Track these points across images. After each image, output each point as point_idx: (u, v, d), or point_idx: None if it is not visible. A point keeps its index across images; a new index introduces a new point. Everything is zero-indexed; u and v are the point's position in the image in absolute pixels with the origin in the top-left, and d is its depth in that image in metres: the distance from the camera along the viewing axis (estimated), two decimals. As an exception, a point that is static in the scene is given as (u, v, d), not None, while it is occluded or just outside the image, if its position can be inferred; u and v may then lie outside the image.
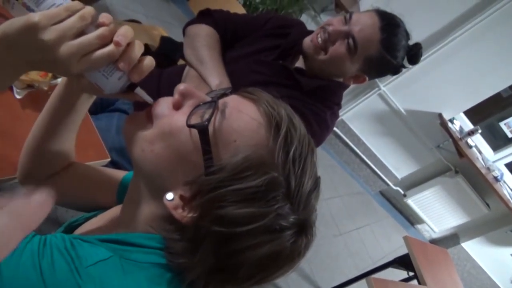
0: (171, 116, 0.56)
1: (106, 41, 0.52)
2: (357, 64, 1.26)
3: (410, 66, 1.34)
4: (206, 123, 0.51)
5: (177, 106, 0.57)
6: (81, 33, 0.51)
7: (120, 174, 0.80)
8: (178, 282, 0.53)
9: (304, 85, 1.30)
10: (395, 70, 1.31)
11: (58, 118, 0.70)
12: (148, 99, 0.57)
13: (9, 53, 0.51)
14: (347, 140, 4.06)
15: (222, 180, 0.49)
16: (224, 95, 0.57)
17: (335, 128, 3.94)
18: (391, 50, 1.24)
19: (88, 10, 0.52)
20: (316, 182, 0.55)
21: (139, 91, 0.57)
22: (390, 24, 1.24)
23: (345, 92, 1.42)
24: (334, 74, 1.32)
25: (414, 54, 1.30)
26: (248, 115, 0.53)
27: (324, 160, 3.97)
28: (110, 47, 0.51)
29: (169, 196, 0.52)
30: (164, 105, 0.57)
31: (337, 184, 3.95)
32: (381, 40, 1.21)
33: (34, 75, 0.92)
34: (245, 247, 0.49)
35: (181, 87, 0.57)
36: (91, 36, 0.51)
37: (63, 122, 0.70)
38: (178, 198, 0.52)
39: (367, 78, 1.31)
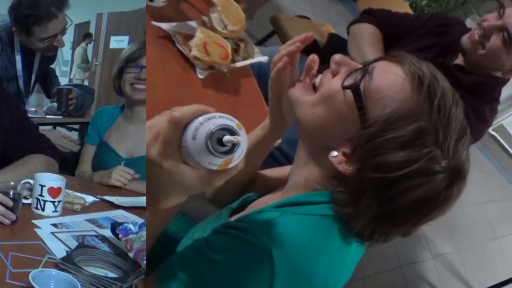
0: (329, 83, 0.63)
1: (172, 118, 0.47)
2: None
3: None
4: (358, 83, 0.58)
5: (334, 74, 0.64)
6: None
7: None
8: (347, 232, 0.60)
9: (464, 81, 1.33)
10: None
11: (255, 158, 0.86)
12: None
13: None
14: (506, 146, 3.96)
15: (375, 132, 0.55)
16: (374, 62, 0.62)
17: (494, 133, 3.90)
18: None
19: (173, 114, 0.47)
20: (464, 131, 0.58)
21: (227, 138, 0.45)
22: None
23: (507, 97, 1.53)
24: (492, 68, 1.35)
25: None
26: (393, 73, 0.58)
27: (481, 164, 3.91)
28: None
29: (334, 153, 0.60)
30: (327, 76, 0.65)
31: (494, 188, 3.87)
32: None
33: (215, 57, 0.97)
34: (402, 190, 0.54)
35: (336, 57, 0.64)
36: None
37: (259, 159, 0.88)
38: (341, 154, 0.60)
39: None
